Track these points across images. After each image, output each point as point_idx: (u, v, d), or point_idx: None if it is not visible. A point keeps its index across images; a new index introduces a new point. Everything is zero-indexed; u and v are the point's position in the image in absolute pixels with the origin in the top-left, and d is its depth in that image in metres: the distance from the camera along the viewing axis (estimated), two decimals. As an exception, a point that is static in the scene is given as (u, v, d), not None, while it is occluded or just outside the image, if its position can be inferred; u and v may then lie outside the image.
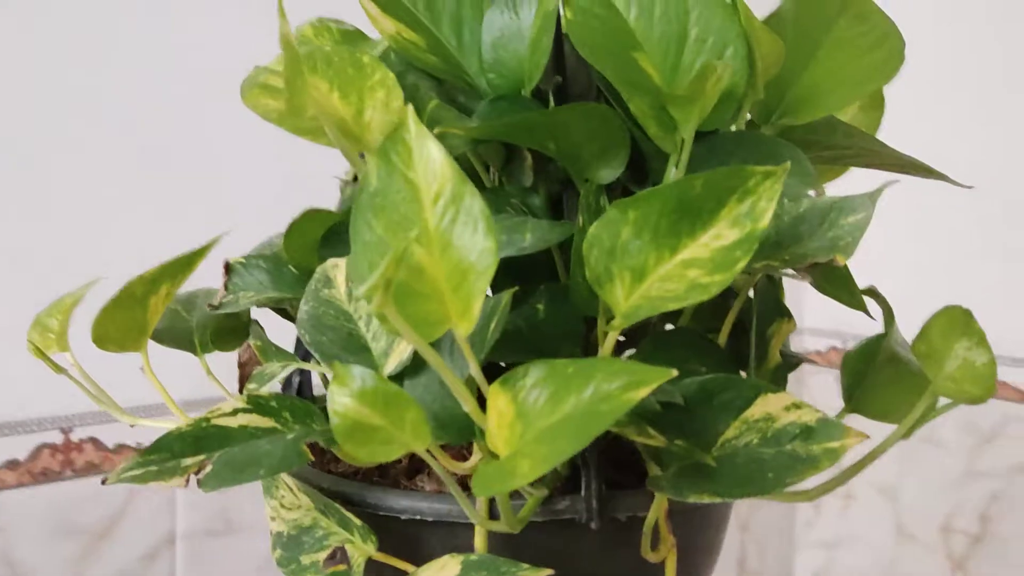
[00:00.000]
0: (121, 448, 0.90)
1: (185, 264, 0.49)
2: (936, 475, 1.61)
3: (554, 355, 0.37)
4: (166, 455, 0.37)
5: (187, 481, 0.36)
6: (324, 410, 0.42)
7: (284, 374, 0.45)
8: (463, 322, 0.31)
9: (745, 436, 0.34)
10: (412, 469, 0.43)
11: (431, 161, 0.31)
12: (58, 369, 0.53)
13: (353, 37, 0.51)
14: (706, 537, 0.43)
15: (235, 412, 0.39)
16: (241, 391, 0.47)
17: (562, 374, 0.31)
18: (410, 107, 0.32)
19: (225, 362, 0.56)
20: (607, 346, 0.35)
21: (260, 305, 0.46)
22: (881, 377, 0.39)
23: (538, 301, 0.39)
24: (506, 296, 0.35)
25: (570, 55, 0.43)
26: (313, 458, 0.37)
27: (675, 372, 0.29)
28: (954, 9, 1.28)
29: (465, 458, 0.41)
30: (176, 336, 0.55)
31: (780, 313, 0.41)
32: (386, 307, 0.28)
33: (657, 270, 0.34)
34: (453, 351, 0.36)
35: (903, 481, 1.66)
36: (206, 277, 0.54)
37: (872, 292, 0.42)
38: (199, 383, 0.59)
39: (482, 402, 0.34)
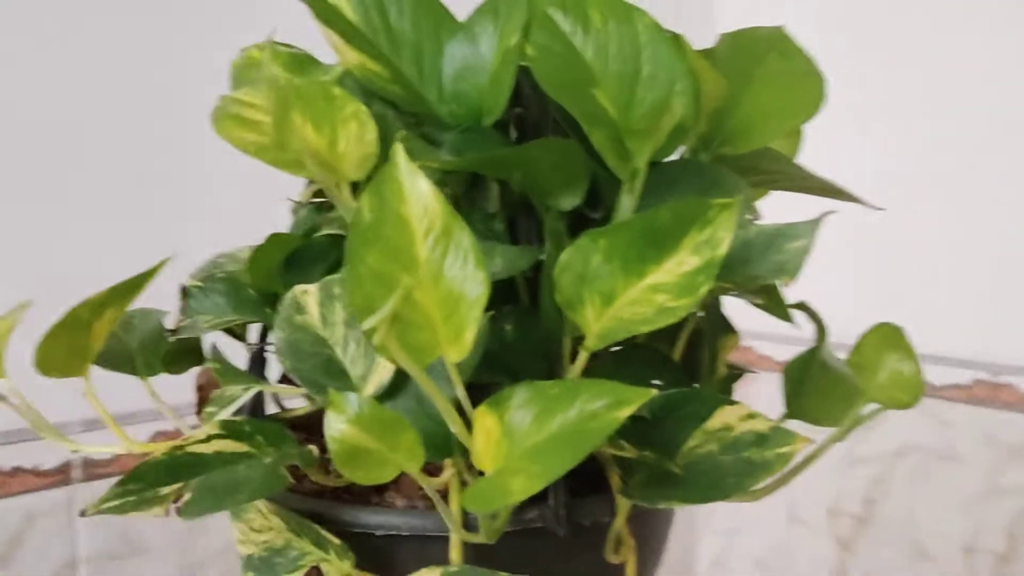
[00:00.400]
0: (17, 471, 0.88)
1: (132, 288, 0.49)
2: (822, 461, 1.72)
3: (523, 373, 0.40)
4: (142, 485, 0.38)
5: (167, 510, 0.37)
6: (292, 430, 0.43)
7: (246, 398, 0.45)
8: (454, 349, 0.33)
9: (706, 445, 0.38)
10: (379, 486, 0.45)
11: (421, 196, 0.33)
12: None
13: (303, 62, 0.51)
14: (658, 537, 0.47)
15: (209, 439, 0.40)
16: (199, 414, 0.47)
17: (546, 395, 0.33)
18: (399, 145, 0.33)
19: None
20: (578, 366, 0.38)
21: (218, 328, 0.47)
22: (816, 385, 0.44)
23: (505, 323, 0.41)
24: (484, 321, 0.37)
25: (525, 86, 0.45)
26: (294, 481, 0.39)
27: (655, 392, 0.32)
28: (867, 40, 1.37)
29: (433, 474, 0.43)
30: (115, 359, 0.55)
31: (726, 329, 0.45)
32: (389, 340, 0.30)
33: (626, 294, 0.36)
34: (437, 375, 0.38)
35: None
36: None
37: (803, 307, 0.46)
38: (136, 395, 0.58)
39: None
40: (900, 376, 0.36)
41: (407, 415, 0.38)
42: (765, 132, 0.47)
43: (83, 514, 0.37)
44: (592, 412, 0.32)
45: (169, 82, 0.97)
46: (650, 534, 0.45)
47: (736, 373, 0.46)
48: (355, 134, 0.39)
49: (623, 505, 0.41)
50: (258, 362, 0.52)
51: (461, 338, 0.33)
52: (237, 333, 0.54)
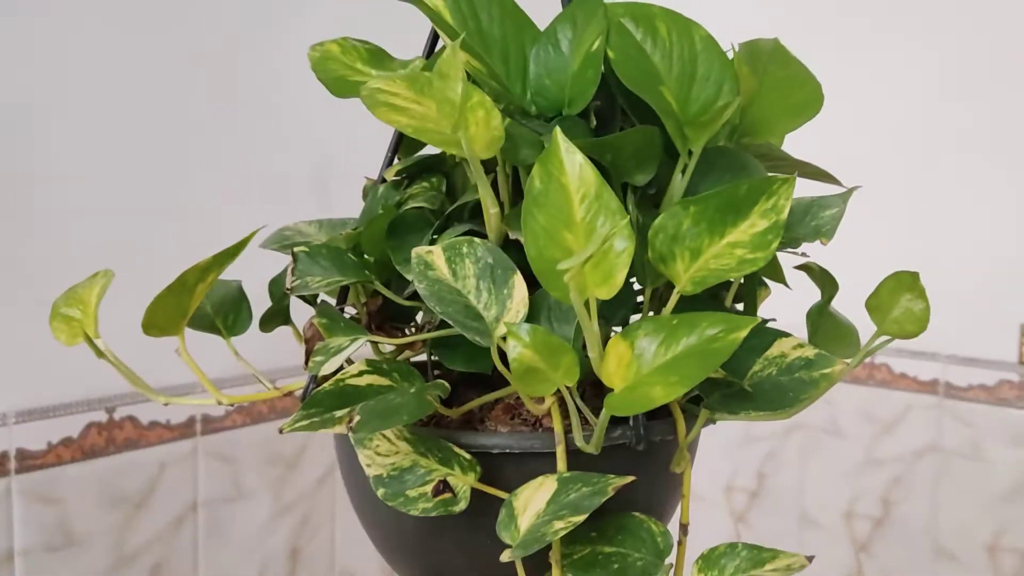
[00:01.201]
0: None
1: (231, 254, 0.57)
2: (719, 441, 1.90)
3: (614, 318, 0.51)
4: (321, 409, 0.46)
5: (348, 427, 0.45)
6: (423, 369, 0.52)
7: (353, 348, 0.54)
8: (601, 289, 0.43)
9: (767, 368, 0.50)
10: (481, 418, 0.55)
11: (577, 169, 0.43)
12: (100, 353, 0.58)
13: (379, 55, 0.60)
14: (694, 457, 0.58)
15: (360, 373, 0.48)
16: (306, 363, 0.55)
17: (668, 325, 0.44)
18: (558, 128, 0.44)
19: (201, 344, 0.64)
20: (670, 306, 0.49)
21: (328, 288, 0.55)
22: (826, 329, 0.56)
23: (594, 277, 0.52)
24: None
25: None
26: (438, 405, 0.48)
27: (760, 319, 0.43)
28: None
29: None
30: (198, 321, 0.62)
31: (761, 283, 0.57)
32: (575, 277, 0.40)
33: (710, 250, 0.48)
34: (552, 314, 0.48)
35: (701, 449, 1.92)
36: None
37: (808, 267, 0.59)
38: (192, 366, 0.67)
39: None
40: (911, 312, 0.49)
41: (534, 349, 0.48)
42: (776, 127, 0.60)
43: (281, 431, 0.45)
44: (713, 336, 0.43)
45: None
46: (693, 452, 0.57)
47: (768, 319, 0.58)
48: (483, 119, 0.48)
49: (682, 426, 0.53)
50: (337, 322, 0.61)
51: (610, 281, 0.43)
52: (309, 299, 0.63)
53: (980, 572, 1.64)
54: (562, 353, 0.43)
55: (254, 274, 0.66)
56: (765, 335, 0.50)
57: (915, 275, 0.48)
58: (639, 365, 0.44)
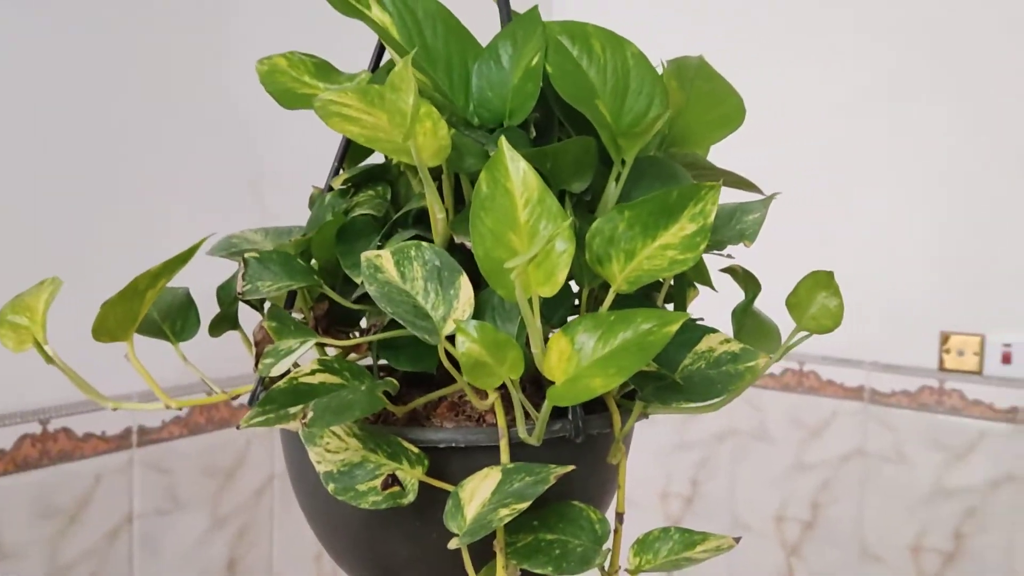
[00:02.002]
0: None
1: (181, 261, 0.60)
2: (654, 448, 1.95)
3: (554, 316, 0.55)
4: (276, 406, 0.49)
5: (303, 423, 0.48)
6: (369, 370, 0.55)
7: (304, 348, 0.57)
8: (544, 288, 0.47)
9: (697, 363, 0.54)
10: (427, 414, 0.58)
11: (522, 175, 0.47)
12: (49, 360, 0.60)
13: (326, 68, 0.64)
14: (629, 448, 0.62)
15: (313, 372, 0.51)
16: (256, 366, 0.58)
17: (606, 321, 0.48)
18: (503, 138, 0.47)
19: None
20: (606, 304, 0.53)
21: (278, 292, 0.58)
22: (750, 327, 0.61)
23: (535, 279, 0.56)
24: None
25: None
26: (387, 402, 0.51)
27: (688, 315, 0.47)
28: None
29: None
30: (146, 326, 0.64)
31: (690, 284, 0.61)
32: (522, 276, 0.44)
33: (643, 252, 0.52)
34: (509, 311, 0.52)
35: (629, 459, 1.97)
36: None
37: (733, 270, 0.64)
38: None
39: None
40: (827, 308, 0.54)
41: (479, 347, 0.51)
42: (701, 138, 0.65)
43: (238, 427, 0.47)
44: (648, 330, 0.47)
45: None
46: (627, 444, 0.61)
47: (695, 317, 0.62)
48: (430, 130, 0.52)
49: (617, 419, 0.57)
50: (286, 325, 0.63)
51: (552, 279, 0.47)
52: (255, 305, 0.65)
53: (904, 572, 1.72)
54: (508, 348, 0.47)
55: (198, 282, 0.68)
56: (695, 331, 0.54)
57: (830, 274, 0.53)
58: (579, 359, 0.48)
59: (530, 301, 0.47)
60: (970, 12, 1.57)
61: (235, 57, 1.18)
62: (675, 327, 0.46)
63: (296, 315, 0.65)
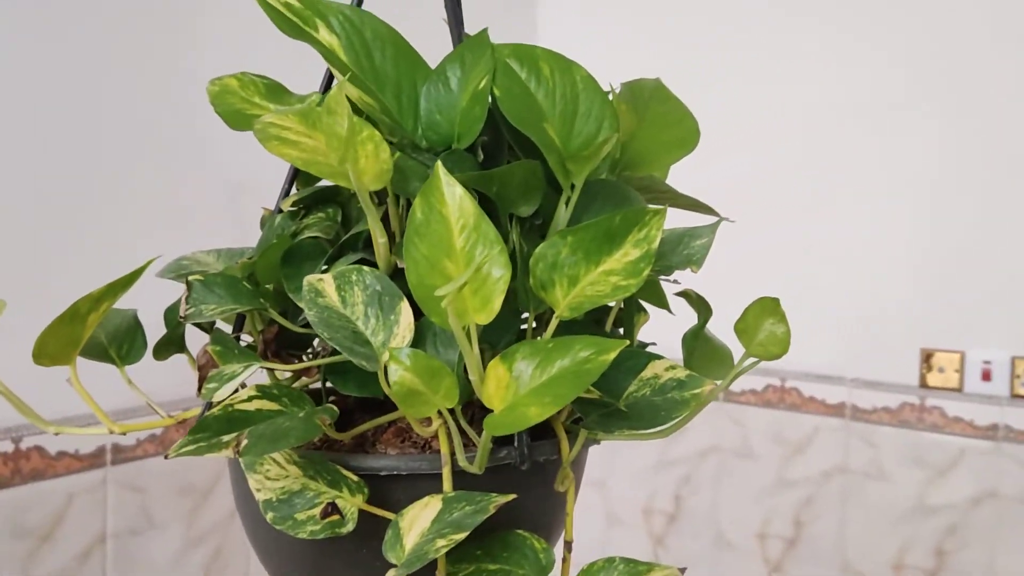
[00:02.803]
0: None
1: (124, 284, 0.58)
2: (638, 464, 1.93)
3: (500, 342, 0.53)
4: (209, 434, 0.47)
5: (234, 452, 0.47)
6: (318, 395, 0.54)
7: (248, 373, 0.55)
8: (481, 315, 0.46)
9: (642, 389, 0.53)
10: (373, 441, 0.56)
11: (458, 200, 0.46)
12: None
13: (277, 90, 0.62)
14: (580, 474, 0.61)
15: (250, 399, 0.50)
16: (200, 390, 0.57)
17: (544, 349, 0.47)
18: (439, 162, 0.46)
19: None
20: (550, 331, 0.52)
21: (222, 316, 0.56)
22: (702, 352, 0.60)
23: (480, 304, 0.54)
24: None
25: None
26: (326, 430, 0.50)
27: (628, 342, 0.46)
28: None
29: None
30: (90, 350, 0.62)
31: (639, 309, 0.60)
32: (452, 303, 0.43)
33: (586, 277, 0.51)
34: (448, 339, 0.50)
35: (612, 475, 1.96)
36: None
37: (687, 294, 0.62)
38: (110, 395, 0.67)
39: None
40: (774, 335, 0.52)
41: (419, 373, 0.50)
42: (655, 161, 0.63)
43: (166, 457, 0.46)
44: (585, 358, 0.46)
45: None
46: (578, 471, 0.60)
47: (643, 345, 0.61)
48: (372, 153, 0.50)
49: (566, 445, 0.55)
50: (235, 349, 0.62)
51: (488, 307, 0.46)
52: (205, 327, 0.64)
53: (885, 589, 1.70)
54: (442, 376, 0.45)
55: (152, 304, 0.67)
56: (640, 358, 0.53)
57: (776, 300, 0.51)
58: (517, 386, 0.47)
59: (467, 328, 0.46)
60: (957, 23, 1.56)
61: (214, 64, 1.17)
62: (612, 355, 0.45)
63: (248, 338, 0.63)
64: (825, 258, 1.71)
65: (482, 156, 0.57)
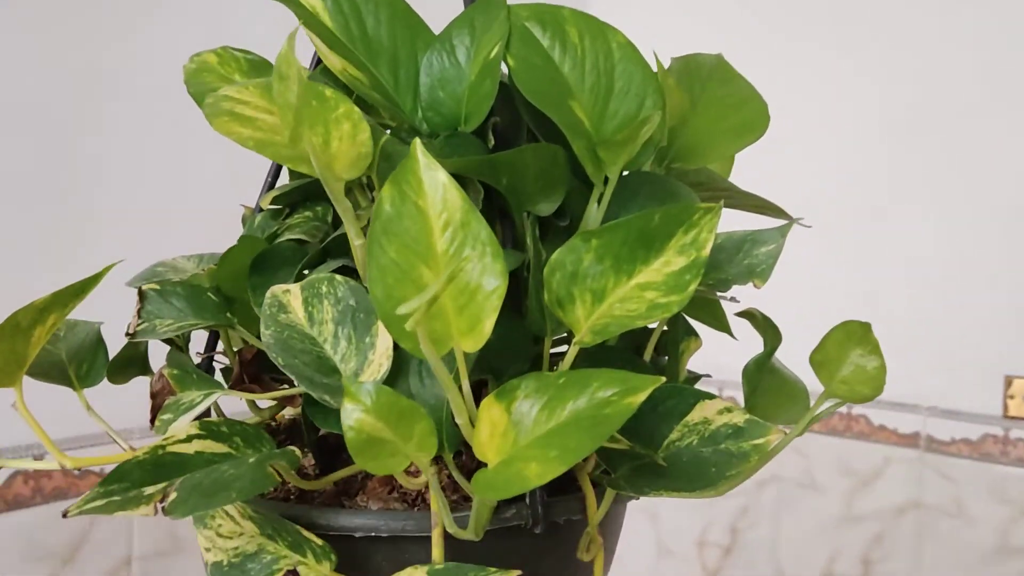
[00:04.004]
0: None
1: (75, 293, 0.48)
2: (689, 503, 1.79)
3: (505, 372, 0.41)
4: (127, 484, 0.36)
5: (155, 509, 0.35)
6: (270, 433, 0.42)
7: (205, 404, 0.44)
8: (468, 340, 0.34)
9: (687, 438, 0.40)
10: (351, 490, 0.45)
11: (440, 189, 0.34)
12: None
13: (260, 67, 0.51)
14: (614, 537, 0.48)
15: (190, 439, 0.38)
16: (153, 423, 0.45)
17: (554, 385, 0.35)
18: (417, 140, 0.34)
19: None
20: (567, 361, 0.39)
21: (179, 333, 0.45)
22: (769, 387, 0.46)
23: (485, 323, 0.42)
24: (479, 317, 0.38)
25: (497, 97, 0.47)
26: (280, 479, 0.38)
27: (663, 379, 0.33)
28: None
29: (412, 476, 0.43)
30: (46, 370, 0.52)
31: (688, 333, 0.47)
32: (421, 324, 0.31)
33: (615, 292, 0.38)
34: (423, 369, 0.38)
35: (664, 503, 1.81)
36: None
37: (751, 314, 0.49)
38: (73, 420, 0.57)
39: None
40: (863, 371, 0.39)
41: (400, 411, 0.38)
42: (712, 151, 0.50)
43: (65, 515, 0.35)
44: (605, 399, 0.33)
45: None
46: (610, 533, 0.47)
47: (694, 376, 0.48)
48: (348, 134, 0.39)
49: (593, 503, 0.43)
50: (206, 371, 0.51)
51: (477, 329, 0.33)
52: (178, 344, 0.53)
53: (964, 637, 1.53)
54: (413, 419, 0.33)
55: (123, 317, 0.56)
56: (685, 397, 0.40)
57: (866, 326, 0.38)
58: (516, 434, 0.34)
59: (410, 360, 0.34)
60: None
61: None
62: (641, 396, 0.32)
63: (225, 359, 0.52)
64: (894, 276, 1.54)
65: (493, 141, 0.45)
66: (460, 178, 0.44)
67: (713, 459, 0.39)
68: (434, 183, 0.34)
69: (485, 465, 0.42)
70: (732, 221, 0.54)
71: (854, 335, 0.39)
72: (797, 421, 0.45)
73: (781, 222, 0.49)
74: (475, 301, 0.33)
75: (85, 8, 0.97)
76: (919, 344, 1.52)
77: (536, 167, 0.41)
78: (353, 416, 0.32)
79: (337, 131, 0.39)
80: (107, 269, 0.49)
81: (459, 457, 0.44)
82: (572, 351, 0.39)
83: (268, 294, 0.41)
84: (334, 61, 0.43)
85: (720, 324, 0.52)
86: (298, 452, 0.39)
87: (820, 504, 1.67)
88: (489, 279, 0.33)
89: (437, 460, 0.41)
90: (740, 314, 0.50)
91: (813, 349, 0.41)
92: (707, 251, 0.38)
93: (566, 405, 0.34)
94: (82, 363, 0.52)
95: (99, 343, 0.52)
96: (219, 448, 0.39)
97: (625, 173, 0.47)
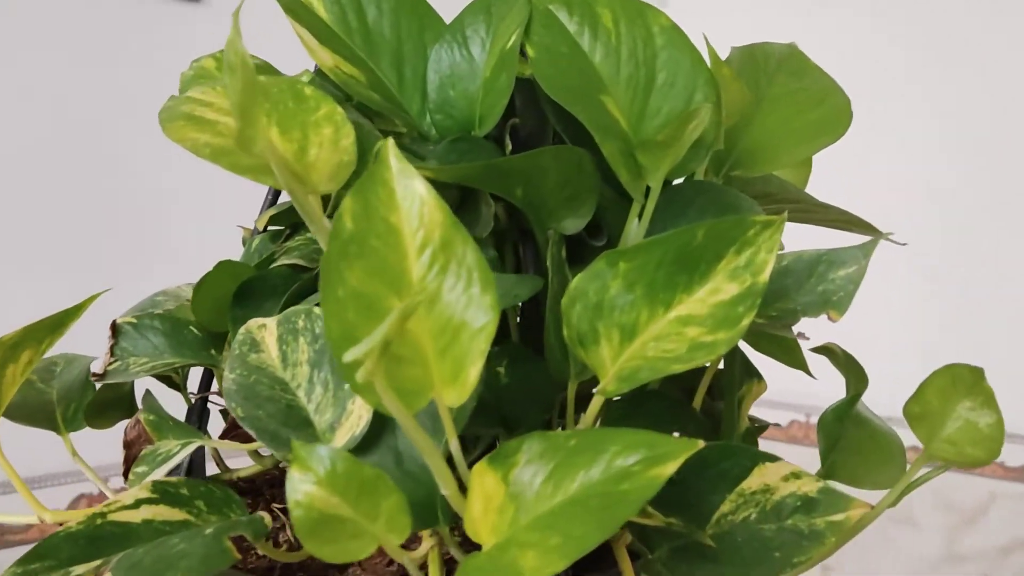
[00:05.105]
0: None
1: (53, 327, 0.42)
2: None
3: (520, 424, 0.33)
4: (52, 563, 0.29)
5: (83, 593, 0.29)
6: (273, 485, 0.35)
7: (183, 455, 0.38)
8: (451, 390, 0.26)
9: (742, 511, 0.31)
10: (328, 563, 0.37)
11: (418, 203, 0.26)
12: None
13: (262, 71, 0.45)
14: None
15: (137, 504, 0.32)
16: (126, 476, 0.39)
17: (563, 448, 0.27)
18: (390, 140, 0.27)
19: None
20: (591, 413, 0.31)
21: (153, 372, 0.39)
22: (852, 440, 0.37)
23: (498, 364, 0.34)
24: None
25: (516, 95, 0.39)
26: (239, 556, 0.31)
27: (702, 443, 0.25)
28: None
29: (410, 547, 0.35)
30: (32, 411, 0.46)
31: (750, 375, 0.38)
32: (376, 374, 0.23)
33: (649, 328, 0.30)
34: (421, 424, 0.30)
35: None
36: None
37: (830, 350, 0.40)
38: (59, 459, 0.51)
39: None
40: (974, 428, 0.30)
41: (384, 474, 0.31)
42: (780, 155, 0.42)
43: (-31, 602, 0.28)
44: (624, 470, 0.25)
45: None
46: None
47: (759, 427, 0.39)
48: (329, 139, 0.32)
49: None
50: (200, 414, 0.44)
51: (461, 377, 0.26)
52: (176, 382, 0.47)
53: None
54: (381, 493, 0.25)
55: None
56: (740, 458, 0.31)
57: (977, 372, 0.29)
58: (516, 511, 0.26)
59: (421, 412, 0.26)
60: None
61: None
62: (670, 468, 0.24)
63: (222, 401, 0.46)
64: (992, 296, 1.40)
65: (511, 146, 0.37)
66: (469, 191, 0.37)
67: (777, 539, 0.30)
68: (410, 194, 0.26)
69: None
70: (809, 240, 0.45)
71: (962, 383, 0.30)
72: (890, 485, 0.35)
73: (866, 239, 0.39)
74: (459, 342, 0.26)
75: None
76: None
77: (557, 175, 0.33)
78: (301, 489, 0.25)
79: (316, 136, 0.32)
80: (90, 301, 0.43)
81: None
82: (595, 402, 0.31)
83: (242, 330, 0.34)
84: (324, 57, 0.36)
85: (794, 360, 0.43)
86: (267, 519, 0.32)
87: (919, 542, 1.54)
88: (476, 314, 0.26)
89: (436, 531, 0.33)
90: (816, 350, 0.41)
91: (909, 398, 0.32)
92: (765, 276, 0.29)
93: (576, 475, 0.26)
94: (70, 404, 0.46)
95: (87, 381, 0.46)
96: (175, 515, 0.32)
97: (675, 183, 0.39)
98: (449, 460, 0.28)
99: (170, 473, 0.43)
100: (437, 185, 0.35)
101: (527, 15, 0.36)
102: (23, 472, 0.48)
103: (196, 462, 0.43)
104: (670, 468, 0.24)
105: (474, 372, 0.25)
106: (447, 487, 0.27)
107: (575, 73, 0.35)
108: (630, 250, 0.30)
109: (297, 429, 0.31)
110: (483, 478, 0.27)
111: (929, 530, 1.52)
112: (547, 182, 0.34)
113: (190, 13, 0.98)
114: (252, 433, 0.31)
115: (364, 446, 0.31)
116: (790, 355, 0.44)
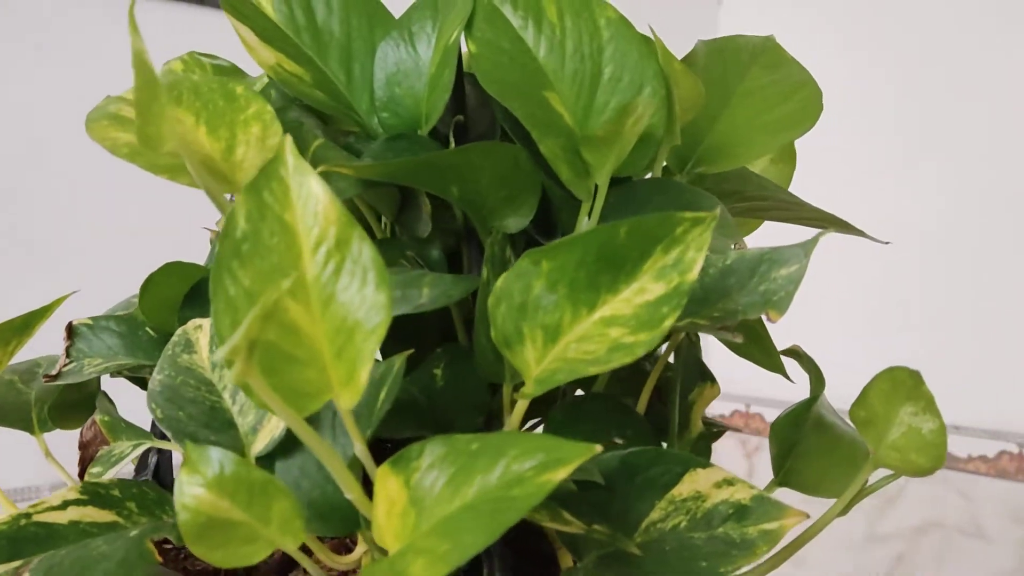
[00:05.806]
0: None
1: (20, 327, 0.43)
2: (836, 536, 1.62)
3: (454, 428, 0.33)
4: (-27, 561, 0.30)
5: (0, 593, 0.30)
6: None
7: (134, 454, 0.38)
8: (347, 391, 0.26)
9: (672, 518, 0.30)
10: (285, 563, 0.38)
11: (312, 200, 0.26)
12: None
13: (229, 73, 0.46)
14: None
15: (64, 505, 0.32)
16: (82, 477, 0.40)
17: (465, 452, 0.26)
18: (288, 138, 0.27)
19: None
20: (515, 418, 0.31)
21: (109, 373, 0.40)
22: (810, 446, 0.36)
23: (435, 366, 0.34)
24: (399, 360, 0.30)
25: (471, 93, 0.39)
26: (161, 559, 0.31)
27: (599, 448, 0.25)
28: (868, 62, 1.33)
29: (350, 549, 0.36)
30: (8, 412, 0.48)
31: (703, 377, 0.38)
32: (250, 375, 0.23)
33: (573, 329, 0.30)
34: (335, 426, 0.31)
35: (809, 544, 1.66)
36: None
37: (795, 352, 0.39)
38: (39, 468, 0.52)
39: (369, 486, 0.29)
40: (918, 434, 0.29)
41: (304, 478, 0.31)
42: (748, 149, 0.41)
43: None
44: (518, 475, 0.25)
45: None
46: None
47: (714, 431, 0.38)
48: (257, 137, 0.32)
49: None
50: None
51: (355, 378, 0.26)
52: (145, 382, 0.48)
53: None
54: (271, 496, 0.26)
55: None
56: (670, 463, 0.31)
57: (915, 375, 0.28)
58: (417, 516, 0.26)
59: (320, 416, 0.26)
60: None
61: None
62: (562, 473, 0.24)
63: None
64: (978, 295, 1.34)
65: (454, 144, 0.37)
66: (407, 190, 0.37)
67: (706, 548, 0.29)
68: (305, 191, 0.26)
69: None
70: (788, 238, 0.44)
71: (903, 386, 0.29)
72: (842, 491, 0.34)
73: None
74: (353, 343, 0.26)
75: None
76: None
77: (492, 172, 0.33)
78: (189, 492, 0.25)
79: (244, 135, 0.33)
80: (58, 302, 0.44)
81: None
82: (519, 406, 0.31)
83: (179, 330, 0.35)
84: (265, 55, 0.37)
85: (771, 363, 0.42)
86: (197, 523, 0.32)
87: (990, 556, 1.49)
88: (370, 314, 0.26)
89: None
90: (785, 352, 0.40)
91: (854, 402, 0.31)
92: (694, 274, 0.29)
93: (474, 479, 0.26)
94: (44, 404, 0.47)
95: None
96: (103, 516, 0.33)
97: (634, 181, 0.38)
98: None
99: (138, 475, 0.44)
100: (374, 184, 0.35)
101: (471, 9, 0.36)
102: (17, 482, 0.49)
103: (164, 464, 0.44)
104: (562, 473, 0.24)
105: (365, 373, 0.26)
106: (350, 491, 0.28)
107: (516, 69, 0.35)
108: (551, 248, 0.29)
109: (220, 431, 0.31)
110: (386, 482, 0.27)
111: (1000, 543, 1.47)
112: (482, 180, 0.33)
113: (194, 14, 1.00)
114: (169, 435, 0.31)
115: (287, 447, 0.32)
116: (767, 356, 0.43)
